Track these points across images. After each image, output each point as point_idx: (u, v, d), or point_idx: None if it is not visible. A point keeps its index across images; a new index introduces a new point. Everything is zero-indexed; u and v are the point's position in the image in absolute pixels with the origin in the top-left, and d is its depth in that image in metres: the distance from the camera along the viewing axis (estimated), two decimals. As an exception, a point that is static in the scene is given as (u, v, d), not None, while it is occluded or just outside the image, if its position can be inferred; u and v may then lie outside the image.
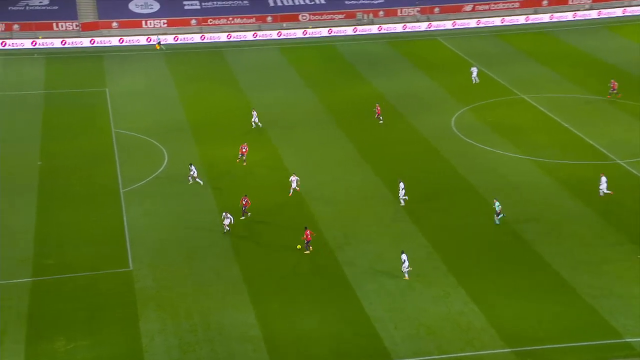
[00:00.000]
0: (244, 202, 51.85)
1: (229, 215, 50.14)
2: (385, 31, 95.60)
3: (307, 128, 67.85)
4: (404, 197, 53.18)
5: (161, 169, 60.10)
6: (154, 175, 58.92)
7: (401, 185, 53.48)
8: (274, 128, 67.56)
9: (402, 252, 45.26)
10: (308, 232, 47.70)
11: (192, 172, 56.68)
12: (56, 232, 50.87)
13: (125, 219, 52.54)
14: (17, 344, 40.35)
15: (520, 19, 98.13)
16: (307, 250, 47.77)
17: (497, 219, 50.91)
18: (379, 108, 68.90)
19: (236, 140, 65.16)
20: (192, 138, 65.65)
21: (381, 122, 67.74)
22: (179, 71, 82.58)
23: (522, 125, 66.68)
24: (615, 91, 71.35)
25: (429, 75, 79.88)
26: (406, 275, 45.10)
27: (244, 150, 60.31)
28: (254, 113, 66.46)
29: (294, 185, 54.32)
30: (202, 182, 56.25)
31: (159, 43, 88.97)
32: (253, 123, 65.55)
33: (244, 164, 59.75)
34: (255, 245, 49.53)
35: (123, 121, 69.12)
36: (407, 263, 44.84)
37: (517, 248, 48.59)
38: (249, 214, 51.84)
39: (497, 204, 51.10)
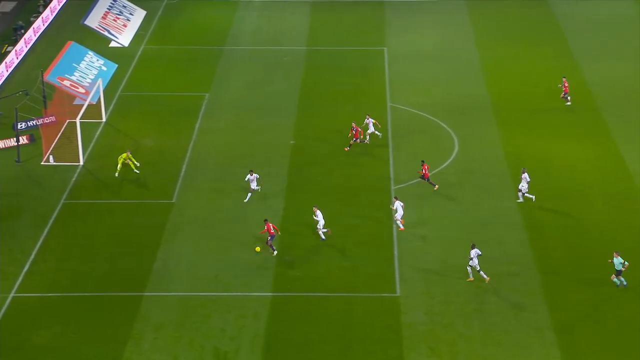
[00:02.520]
0: (270, 231, 50.14)
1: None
2: None
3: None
4: (525, 193, 54.18)
5: (448, 161, 59.80)
6: (438, 169, 58.75)
7: (525, 176, 53.73)
8: (614, 114, 65.22)
9: (473, 247, 47.12)
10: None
11: (252, 186, 54.76)
12: (305, 236, 52.26)
13: (394, 226, 52.79)
14: (248, 376, 42.08)
15: None
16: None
17: (615, 279, 46.42)
18: (566, 84, 65.62)
19: (556, 128, 63.29)
20: (494, 121, 64.96)
21: (568, 103, 65.64)
22: (484, 27, 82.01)
23: None
24: None
25: None
26: (479, 274, 47.32)
27: (354, 132, 60.34)
28: (369, 120, 61.85)
29: (398, 215, 51.78)
30: (248, 197, 54.59)
31: None
32: (367, 135, 61.25)
33: (349, 145, 60.47)
34: (571, 278, 47.92)
35: (402, 93, 69.77)
36: (476, 261, 46.74)
37: None
38: (274, 250, 50.23)
39: (619, 260, 46.01)
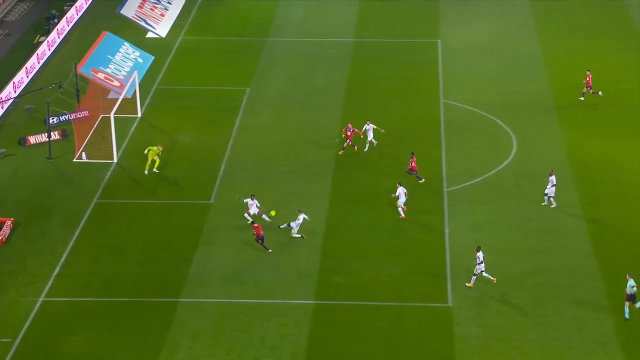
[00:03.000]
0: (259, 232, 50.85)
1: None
2: None
3: None
4: (551, 196, 53.73)
5: (506, 162, 59.50)
6: (494, 170, 58.52)
7: (552, 179, 53.69)
8: None
9: (479, 249, 47.32)
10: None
11: (251, 211, 53.24)
12: (351, 239, 52.30)
13: (446, 231, 52.66)
14: (288, 390, 42.14)
15: None
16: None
17: (626, 311, 44.89)
18: (589, 77, 65.23)
19: (625, 127, 62.97)
20: (557, 119, 64.53)
21: (599, 93, 65.85)
22: (547, 18, 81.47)
23: None
24: None
25: None
26: (473, 280, 47.53)
27: (349, 133, 59.60)
28: (369, 127, 60.34)
29: (400, 202, 52.88)
30: (249, 219, 53.22)
31: None
32: (367, 144, 60.41)
33: (343, 147, 59.86)
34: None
35: (457, 88, 69.55)
36: (482, 265, 46.94)
37: None
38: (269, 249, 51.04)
39: (631, 282, 44.72)
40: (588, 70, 66.84)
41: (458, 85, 69.94)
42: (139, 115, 66.03)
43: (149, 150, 58.79)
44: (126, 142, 62.68)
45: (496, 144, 61.71)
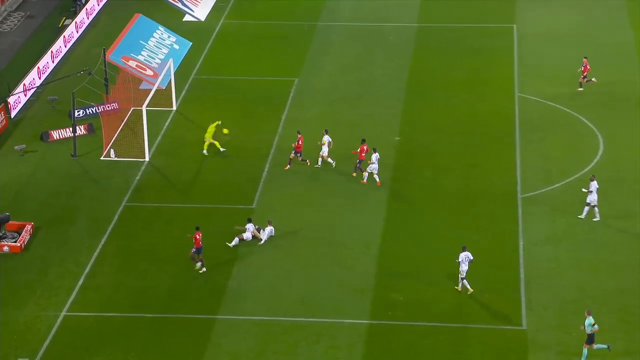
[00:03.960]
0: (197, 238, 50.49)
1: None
2: None
3: None
4: (594, 205, 53.28)
5: (590, 165, 59.21)
6: (576, 175, 58.18)
7: (594, 184, 53.15)
8: None
9: (464, 249, 48.21)
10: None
11: (245, 235, 52.70)
12: (411, 252, 52.11)
13: (520, 244, 52.34)
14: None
15: None
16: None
17: (585, 354, 43.94)
18: (587, 63, 65.87)
19: None
20: (650, 118, 64.28)
21: (593, 79, 66.70)
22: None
23: None
24: None
25: None
26: (462, 285, 48.42)
27: (300, 143, 58.91)
28: (326, 139, 58.91)
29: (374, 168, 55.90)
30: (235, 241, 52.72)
31: None
32: (319, 158, 59.00)
33: (289, 158, 59.14)
34: None
35: (534, 80, 69.27)
36: (465, 267, 47.88)
37: None
38: (199, 261, 50.63)
39: (589, 320, 43.74)
40: (585, 58, 66.89)
41: (536, 77, 69.70)
42: (174, 108, 66.35)
43: (209, 134, 60.57)
44: (159, 138, 62.99)
45: (579, 144, 61.42)
